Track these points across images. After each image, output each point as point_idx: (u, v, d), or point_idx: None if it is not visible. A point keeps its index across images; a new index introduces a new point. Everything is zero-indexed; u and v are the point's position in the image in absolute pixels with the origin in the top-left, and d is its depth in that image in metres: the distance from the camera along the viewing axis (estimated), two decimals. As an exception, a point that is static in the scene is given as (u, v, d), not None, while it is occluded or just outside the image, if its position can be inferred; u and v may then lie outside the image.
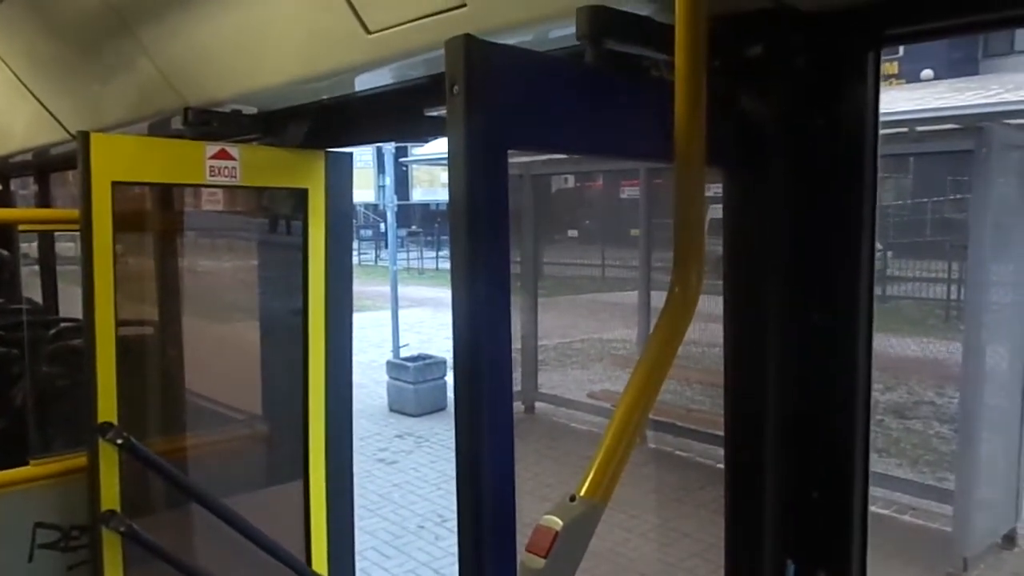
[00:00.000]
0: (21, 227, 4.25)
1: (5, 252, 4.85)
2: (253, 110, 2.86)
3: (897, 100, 7.22)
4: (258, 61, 2.49)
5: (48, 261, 5.91)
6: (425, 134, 2.58)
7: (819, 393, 1.60)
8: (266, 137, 2.96)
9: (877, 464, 7.31)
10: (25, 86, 3.68)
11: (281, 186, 2.88)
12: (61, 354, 3.55)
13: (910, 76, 15.65)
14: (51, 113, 3.75)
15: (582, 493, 1.12)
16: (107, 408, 2.41)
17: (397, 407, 10.60)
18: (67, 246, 5.94)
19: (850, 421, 1.58)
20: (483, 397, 1.21)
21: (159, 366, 3.45)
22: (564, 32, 1.59)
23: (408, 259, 26.82)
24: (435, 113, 2.39)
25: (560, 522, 1.09)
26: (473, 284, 1.18)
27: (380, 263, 28.64)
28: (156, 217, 3.59)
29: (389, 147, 12.41)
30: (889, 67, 16.93)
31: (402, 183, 14.97)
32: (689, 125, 1.23)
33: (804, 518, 1.63)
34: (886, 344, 10.33)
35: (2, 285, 4.78)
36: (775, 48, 1.51)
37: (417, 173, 18.34)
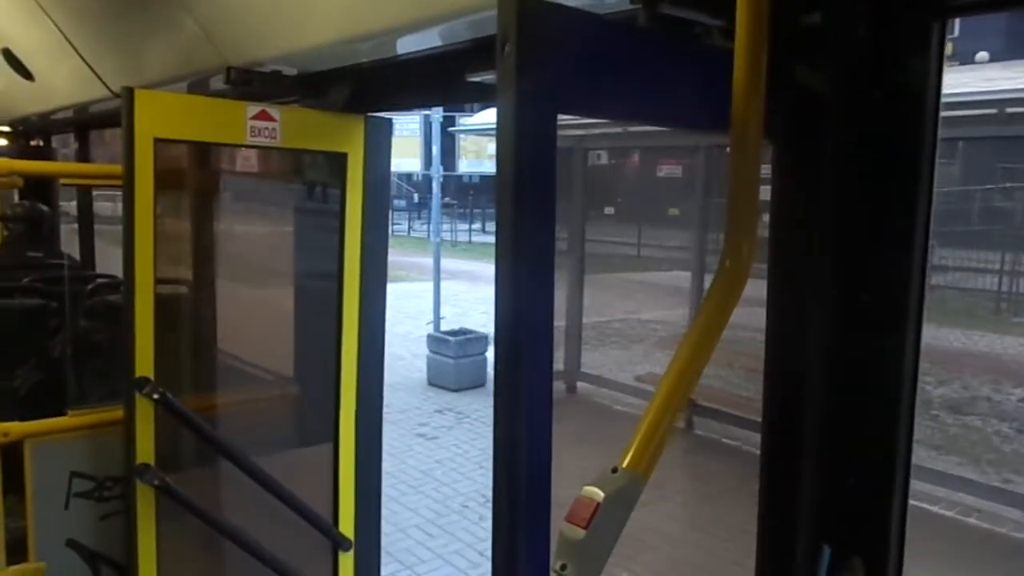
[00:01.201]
0: (62, 181, 4.29)
1: (46, 207, 4.91)
2: (293, 71, 2.85)
3: (996, 79, 6.87)
4: (300, 21, 2.46)
5: (86, 218, 5.99)
6: (466, 100, 2.55)
7: (864, 376, 1.56)
8: (306, 99, 2.95)
9: (937, 462, 7.06)
10: (69, 41, 3.69)
11: (320, 149, 2.87)
12: (98, 309, 3.61)
13: (964, 57, 15.11)
14: (93, 69, 3.77)
15: (625, 464, 1.10)
16: (144, 363, 2.44)
17: (436, 381, 10.45)
18: (104, 205, 6.02)
19: (895, 407, 1.55)
20: (523, 364, 1.19)
21: (194, 324, 3.49)
22: (617, -5, 1.55)
23: (441, 231, 26.79)
24: (477, 78, 2.35)
25: (602, 493, 1.07)
26: (518, 246, 1.16)
27: (413, 234, 28.64)
28: (194, 176, 3.61)
29: (437, 116, 12.03)
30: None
31: (448, 153, 14.37)
32: (747, 94, 1.19)
33: (843, 503, 1.60)
34: (934, 335, 10.00)
35: (42, 240, 4.85)
36: (835, 17, 1.46)
37: (464, 144, 17.89)
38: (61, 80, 4.22)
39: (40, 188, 5.22)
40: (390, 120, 2.99)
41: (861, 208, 1.53)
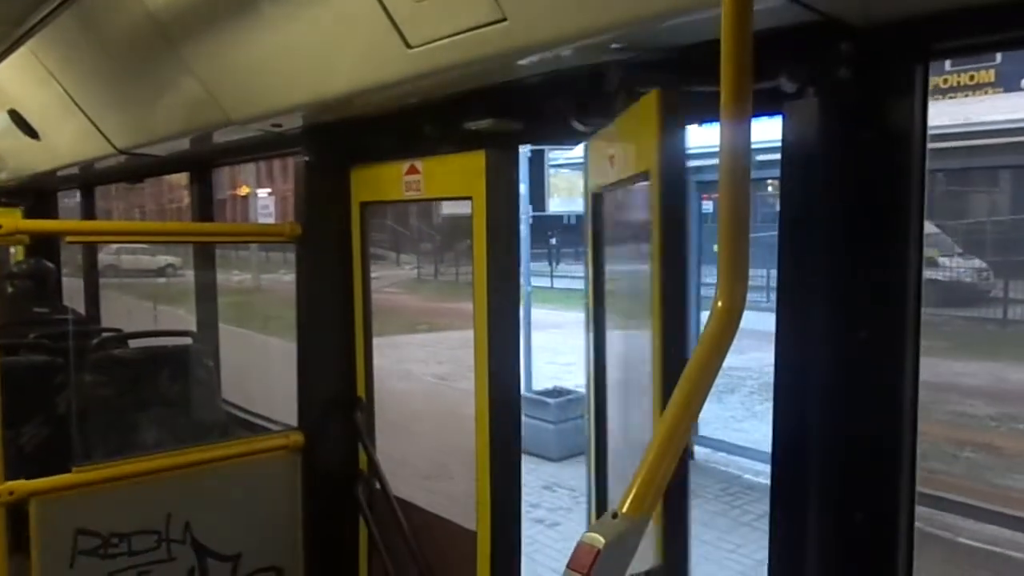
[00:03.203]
0: (68, 239, 4.34)
1: (51, 264, 4.96)
2: (299, 122, 2.91)
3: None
4: (303, 76, 2.53)
5: (91, 273, 6.05)
6: (464, 147, 2.57)
7: (865, 413, 1.57)
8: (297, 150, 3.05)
9: None
10: (74, 101, 3.77)
11: (452, 195, 2.60)
12: (103, 363, 3.60)
13: (1008, 84, 14.39)
14: (97, 127, 3.84)
15: (624, 510, 1.11)
16: (361, 385, 3.00)
17: (534, 449, 8.46)
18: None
19: (896, 441, 1.55)
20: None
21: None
22: (597, 42, 1.60)
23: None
24: (475, 126, 2.40)
25: (602, 539, 1.07)
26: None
27: (461, 278, 27.46)
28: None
29: (524, 150, 9.90)
30: (985, 75, 15.82)
31: (537, 190, 12.33)
32: (733, 141, 1.22)
33: (849, 540, 1.60)
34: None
35: (47, 295, 4.89)
36: (821, 61, 1.50)
37: (554, 180, 15.75)
38: (66, 139, 4.30)
39: (45, 244, 5.28)
40: (515, 153, 2.56)
41: (855, 244, 1.56)
